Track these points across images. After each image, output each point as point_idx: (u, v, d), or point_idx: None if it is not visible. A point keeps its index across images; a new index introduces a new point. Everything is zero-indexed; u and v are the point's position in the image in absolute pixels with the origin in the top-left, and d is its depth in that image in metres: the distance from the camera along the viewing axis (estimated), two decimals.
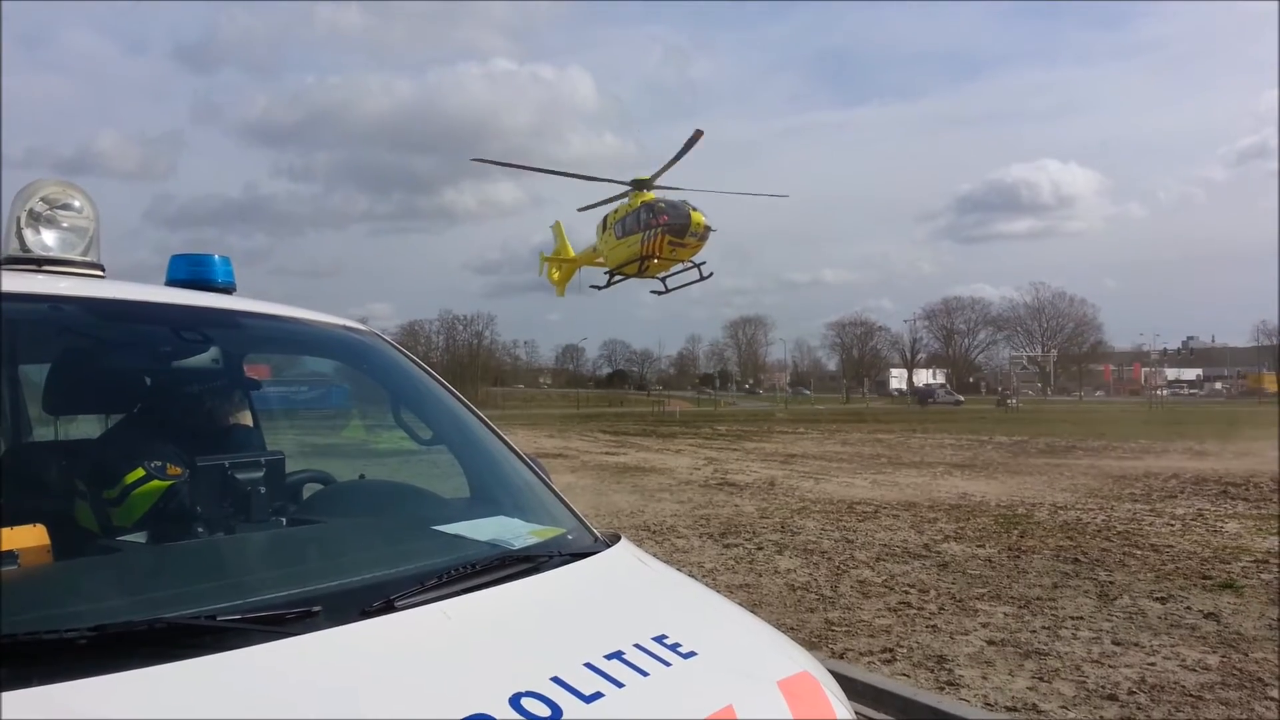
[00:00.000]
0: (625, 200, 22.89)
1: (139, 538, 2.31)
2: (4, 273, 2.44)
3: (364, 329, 3.34)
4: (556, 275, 27.00)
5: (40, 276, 2.45)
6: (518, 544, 2.38)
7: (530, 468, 3.03)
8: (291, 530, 2.57)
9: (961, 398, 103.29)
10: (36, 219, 2.50)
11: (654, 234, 21.31)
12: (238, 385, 2.97)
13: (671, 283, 23.80)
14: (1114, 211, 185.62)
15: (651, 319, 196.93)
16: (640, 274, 23.09)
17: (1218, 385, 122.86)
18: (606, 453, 28.11)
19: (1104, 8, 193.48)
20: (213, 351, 2.83)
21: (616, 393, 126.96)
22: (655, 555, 2.92)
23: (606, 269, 24.37)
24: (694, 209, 21.13)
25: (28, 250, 2.49)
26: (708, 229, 21.02)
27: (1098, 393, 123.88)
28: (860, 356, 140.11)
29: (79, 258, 2.56)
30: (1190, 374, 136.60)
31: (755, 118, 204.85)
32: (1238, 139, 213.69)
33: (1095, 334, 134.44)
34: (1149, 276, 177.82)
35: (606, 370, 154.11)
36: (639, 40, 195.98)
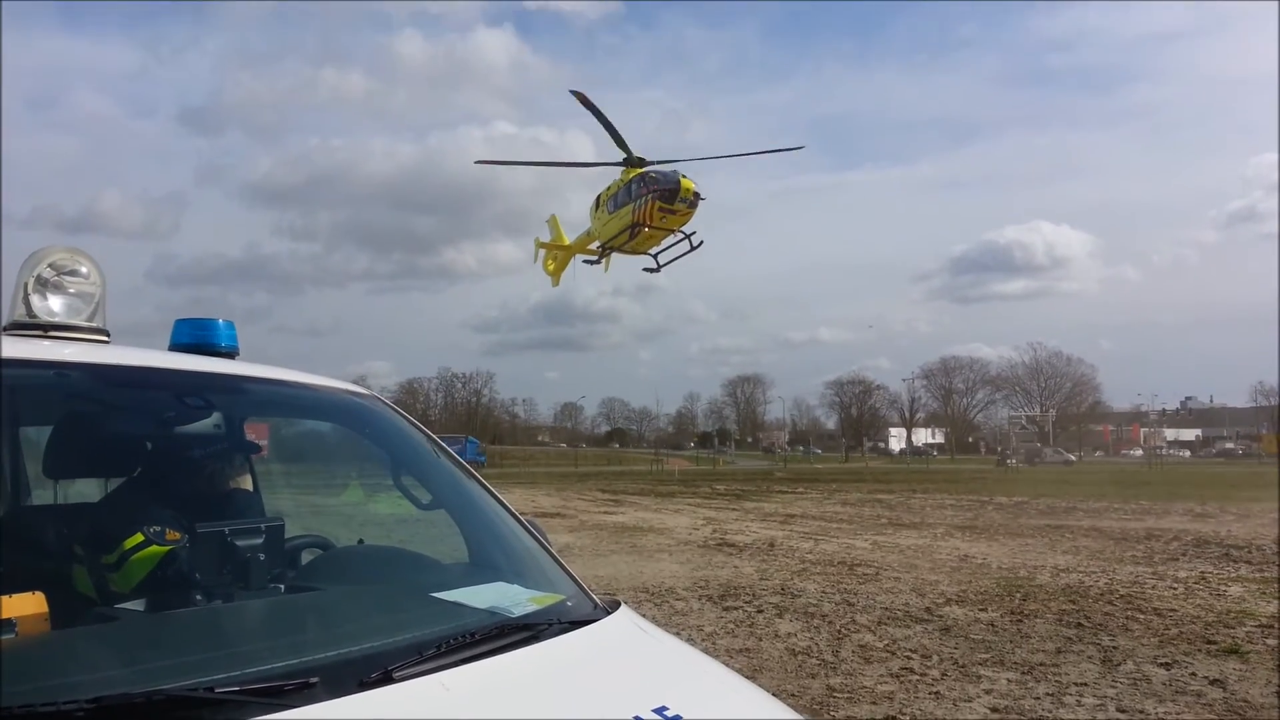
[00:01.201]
0: (618, 179, 22.80)
1: (137, 605, 2.30)
2: (8, 338, 2.47)
3: (365, 392, 3.35)
4: (552, 266, 26.84)
5: (45, 342, 2.47)
6: (517, 611, 2.36)
7: (529, 531, 3.02)
8: (290, 598, 2.55)
9: (1073, 458, 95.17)
10: (44, 285, 2.53)
11: (644, 201, 21.16)
12: (239, 449, 2.98)
13: (663, 257, 23.36)
14: (1108, 273, 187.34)
15: (649, 377, 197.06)
16: (631, 242, 22.54)
17: (1229, 445, 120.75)
18: (605, 512, 27.93)
19: (1094, 74, 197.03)
20: (215, 416, 2.84)
21: (614, 451, 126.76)
22: (654, 619, 2.90)
23: (599, 242, 24.08)
24: (684, 176, 20.89)
25: (34, 316, 2.51)
26: (698, 195, 20.76)
27: (1097, 453, 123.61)
28: (859, 415, 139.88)
29: (84, 323, 2.58)
30: (1189, 434, 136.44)
31: (752, 179, 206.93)
32: (1226, 202, 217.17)
33: (1093, 394, 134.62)
34: (1145, 337, 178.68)
35: (605, 428, 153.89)
36: (637, 105, 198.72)
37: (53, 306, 2.53)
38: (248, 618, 2.34)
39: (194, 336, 3.02)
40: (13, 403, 2.65)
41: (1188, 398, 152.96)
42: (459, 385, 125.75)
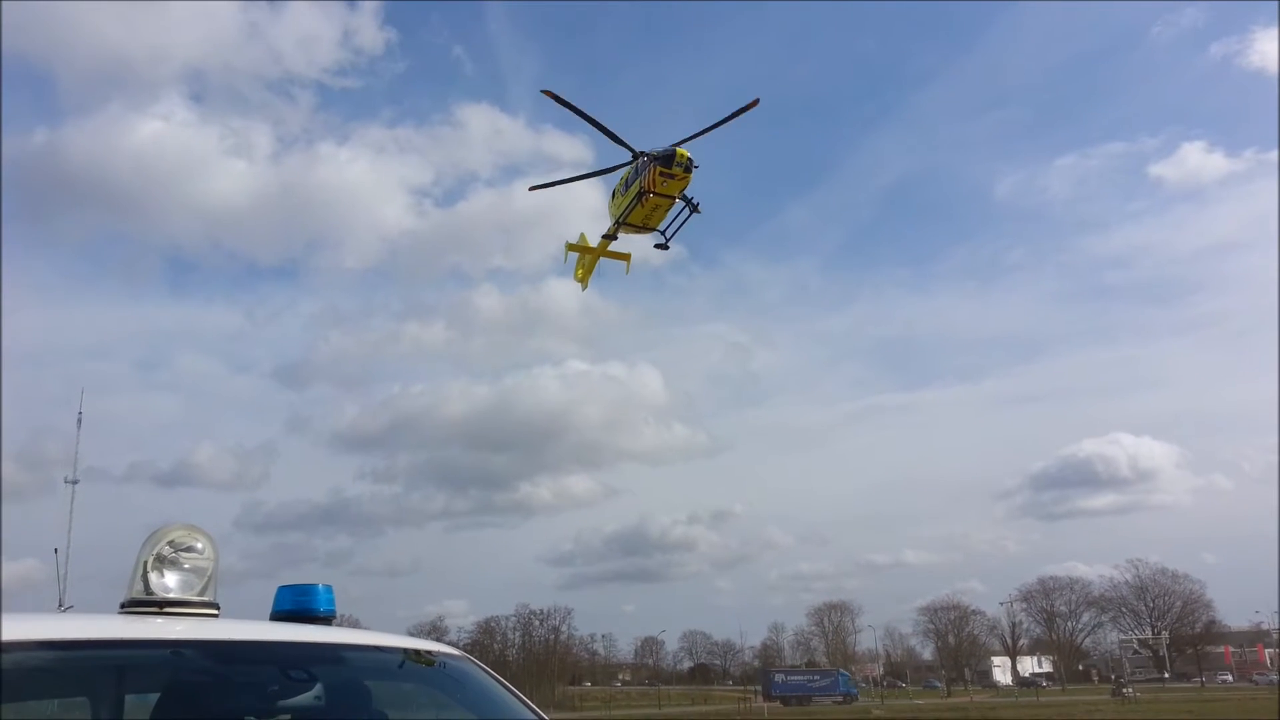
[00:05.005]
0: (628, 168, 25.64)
1: None
2: (123, 617, 2.59)
3: (456, 653, 3.38)
4: (581, 272, 28.72)
5: (159, 619, 2.59)
6: None
7: None
8: None
9: None
10: (161, 562, 2.69)
11: (647, 171, 24.02)
12: None
13: (670, 231, 25.74)
14: (1199, 483, 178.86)
15: (730, 607, 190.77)
16: (641, 210, 24.69)
17: None
18: None
19: (1155, 288, 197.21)
20: (317, 689, 2.88)
21: (700, 688, 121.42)
22: None
23: (614, 221, 26.43)
24: (679, 148, 23.62)
25: (151, 593, 2.65)
26: (692, 161, 23.64)
27: (1221, 677, 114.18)
28: (957, 643, 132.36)
29: (196, 598, 2.72)
30: None
31: (819, 403, 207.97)
32: None
33: (1206, 612, 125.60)
34: (1251, 548, 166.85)
35: (688, 664, 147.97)
36: (701, 338, 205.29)
37: (168, 583, 2.68)
38: None
39: (295, 602, 3.16)
40: (122, 683, 2.74)
41: None
42: (536, 623, 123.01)
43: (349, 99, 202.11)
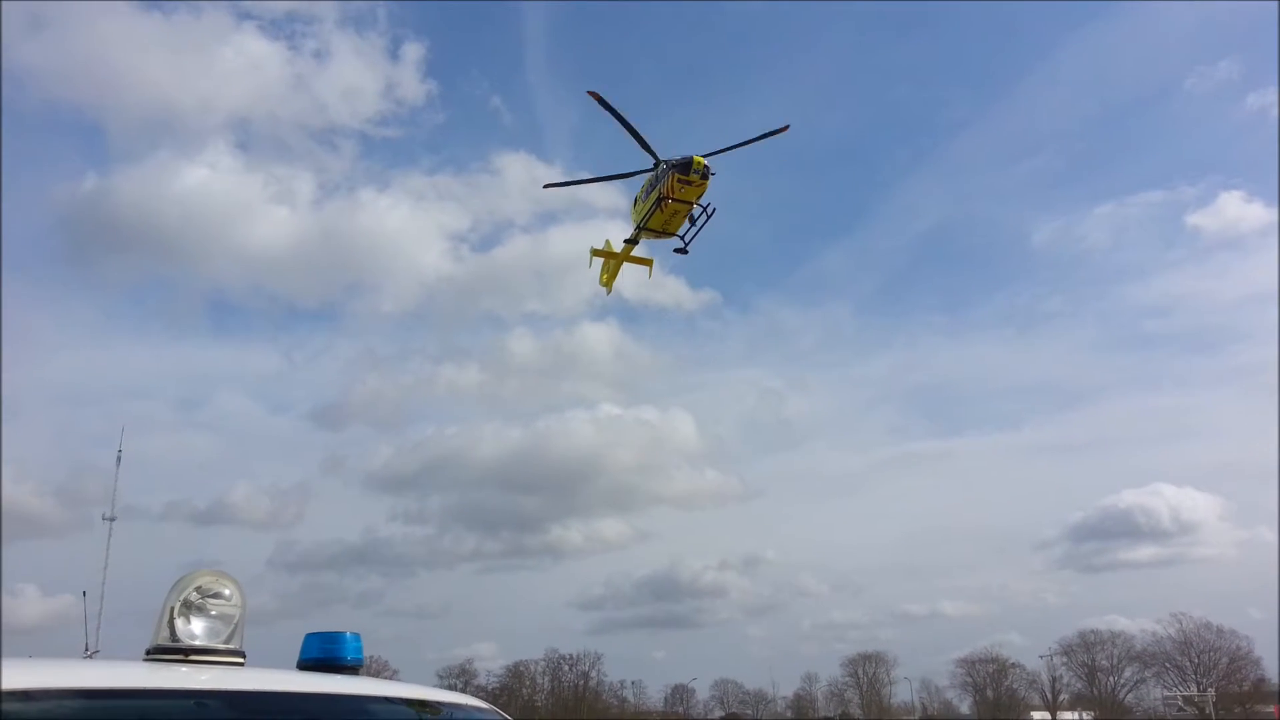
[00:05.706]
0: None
1: None
2: (148, 664, 2.54)
3: (485, 706, 3.30)
4: (605, 277, 29.55)
5: (184, 668, 2.54)
6: None
7: None
8: None
9: None
10: (189, 608, 2.65)
11: (666, 178, 25.21)
12: None
13: (689, 236, 26.59)
14: (1244, 536, 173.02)
15: (762, 655, 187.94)
16: (661, 215, 25.64)
17: None
18: None
19: (1196, 337, 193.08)
20: None
21: None
22: None
23: (635, 226, 27.44)
24: (696, 156, 25.06)
25: (176, 640, 2.61)
26: (708, 169, 24.87)
27: None
28: (995, 698, 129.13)
29: (222, 646, 2.67)
30: None
31: (854, 449, 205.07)
32: None
33: (1254, 669, 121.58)
34: None
35: (719, 713, 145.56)
36: (734, 383, 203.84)
37: (194, 630, 2.64)
38: None
39: (322, 650, 3.11)
40: None
41: None
42: (566, 668, 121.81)
43: (390, 147, 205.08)
